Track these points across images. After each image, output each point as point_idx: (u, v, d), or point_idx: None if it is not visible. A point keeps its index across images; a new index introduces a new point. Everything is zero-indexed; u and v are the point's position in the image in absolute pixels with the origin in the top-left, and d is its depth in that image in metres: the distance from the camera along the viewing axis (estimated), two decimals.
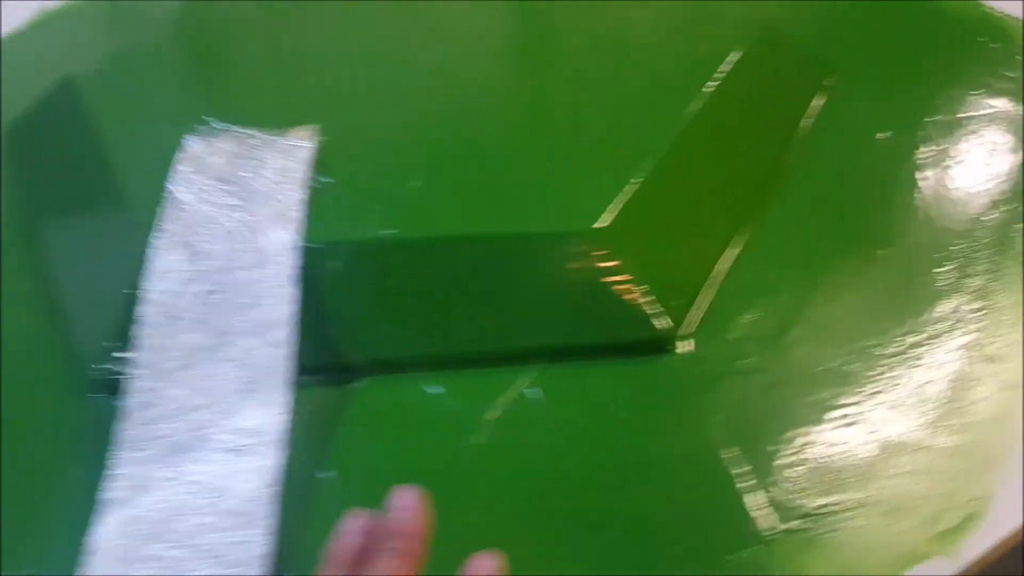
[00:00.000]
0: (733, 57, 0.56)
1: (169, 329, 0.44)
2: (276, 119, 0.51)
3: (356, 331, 0.46)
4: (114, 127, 0.54)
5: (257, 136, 0.50)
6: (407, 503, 0.37)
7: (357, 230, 0.47)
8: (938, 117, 0.58)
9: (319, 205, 0.48)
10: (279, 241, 0.45)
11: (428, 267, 0.47)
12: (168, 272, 0.45)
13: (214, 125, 0.51)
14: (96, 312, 0.47)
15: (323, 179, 0.48)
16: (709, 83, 0.54)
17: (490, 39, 0.61)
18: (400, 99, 0.55)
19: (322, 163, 0.49)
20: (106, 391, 0.44)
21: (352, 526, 0.37)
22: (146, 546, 0.39)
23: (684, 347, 0.46)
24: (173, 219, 0.46)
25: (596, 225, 0.47)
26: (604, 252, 0.46)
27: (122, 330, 0.44)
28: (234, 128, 0.51)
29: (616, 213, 0.47)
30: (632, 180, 0.48)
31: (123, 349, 0.44)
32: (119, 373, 0.43)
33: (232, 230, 0.46)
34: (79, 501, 0.41)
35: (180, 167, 0.48)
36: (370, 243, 0.47)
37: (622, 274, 0.46)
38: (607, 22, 0.60)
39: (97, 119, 0.55)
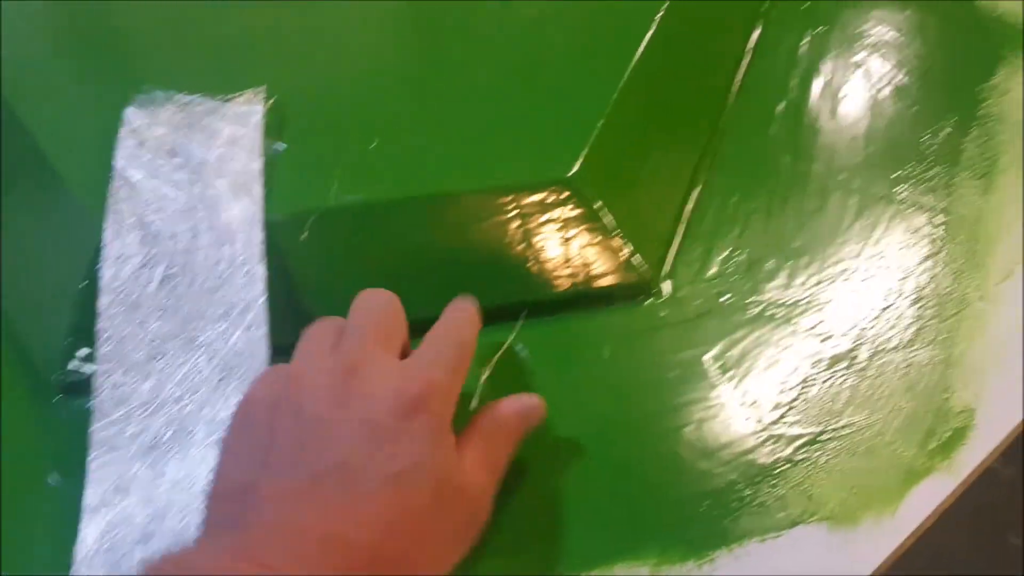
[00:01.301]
0: None
1: (131, 318, 0.41)
2: (218, 83, 0.48)
3: (331, 303, 0.44)
4: (39, 109, 0.50)
5: (202, 102, 0.46)
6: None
7: (319, 198, 0.44)
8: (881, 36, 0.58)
9: (276, 174, 0.45)
10: (241, 215, 0.43)
11: (398, 230, 0.45)
12: (123, 257, 0.42)
13: (154, 93, 0.47)
14: (52, 309, 0.44)
15: (277, 146, 0.46)
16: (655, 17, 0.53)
17: None
18: (350, 55, 0.52)
19: (273, 128, 0.46)
20: (74, 392, 0.42)
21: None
22: (133, 551, 0.37)
23: (665, 289, 0.46)
24: (122, 199, 0.43)
25: (565, 174, 0.45)
26: (575, 200, 0.45)
27: (83, 325, 0.41)
28: (175, 95, 0.47)
29: (582, 160, 0.46)
30: (597, 126, 0.47)
31: (86, 345, 0.41)
32: (85, 372, 0.41)
33: (189, 206, 0.43)
34: (62, 511, 0.39)
35: (124, 141, 0.45)
36: (335, 210, 0.44)
37: (595, 221, 0.45)
38: None
39: (17, 104, 0.50)
